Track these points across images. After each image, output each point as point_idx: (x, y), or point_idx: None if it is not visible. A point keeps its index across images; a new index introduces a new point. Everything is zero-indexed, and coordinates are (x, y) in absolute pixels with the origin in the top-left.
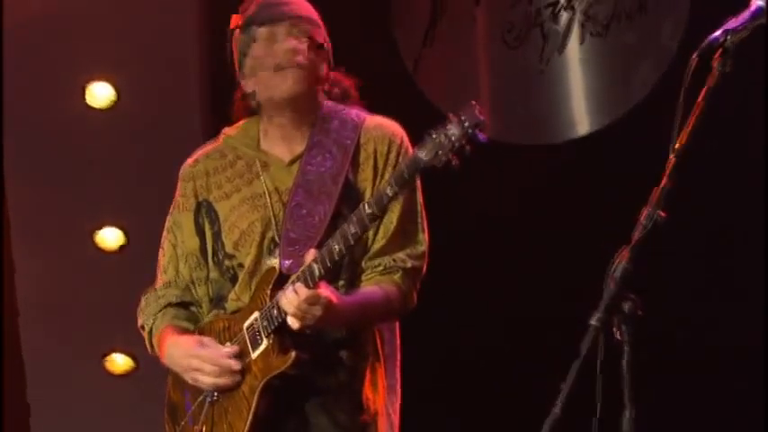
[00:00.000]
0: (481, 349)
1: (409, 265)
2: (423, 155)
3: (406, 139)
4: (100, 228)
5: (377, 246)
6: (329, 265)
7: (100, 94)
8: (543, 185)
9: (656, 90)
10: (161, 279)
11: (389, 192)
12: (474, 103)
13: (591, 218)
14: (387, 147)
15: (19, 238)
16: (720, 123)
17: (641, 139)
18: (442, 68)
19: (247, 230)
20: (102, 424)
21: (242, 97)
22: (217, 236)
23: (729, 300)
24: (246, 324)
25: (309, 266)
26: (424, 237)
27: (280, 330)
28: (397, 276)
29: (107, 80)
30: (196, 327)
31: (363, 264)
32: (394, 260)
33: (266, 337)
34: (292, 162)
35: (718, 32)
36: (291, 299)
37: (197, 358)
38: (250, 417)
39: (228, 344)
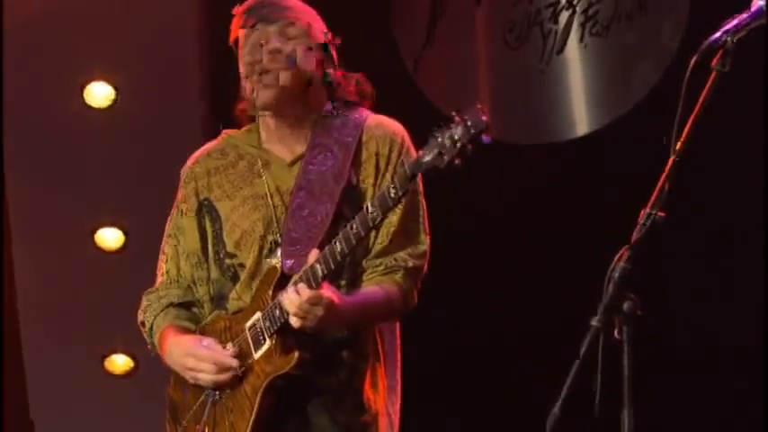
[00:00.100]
0: (481, 349)
1: (410, 264)
2: (426, 156)
3: (407, 137)
4: (100, 228)
5: (378, 246)
6: (332, 265)
7: (99, 93)
8: (543, 185)
9: (655, 90)
10: (162, 278)
11: (392, 193)
12: (478, 105)
13: (591, 218)
14: (388, 146)
15: (19, 238)
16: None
17: (641, 138)
18: (442, 68)
19: (249, 230)
20: (103, 424)
21: (240, 105)
22: (218, 235)
23: (729, 300)
24: (248, 324)
25: (312, 267)
26: (425, 236)
27: (282, 331)
28: (398, 276)
29: (106, 80)
30: (197, 327)
31: (365, 263)
32: (395, 260)
33: (269, 337)
34: (294, 162)
35: (718, 33)
36: (293, 299)
37: (195, 357)
38: (252, 416)
39: (230, 344)
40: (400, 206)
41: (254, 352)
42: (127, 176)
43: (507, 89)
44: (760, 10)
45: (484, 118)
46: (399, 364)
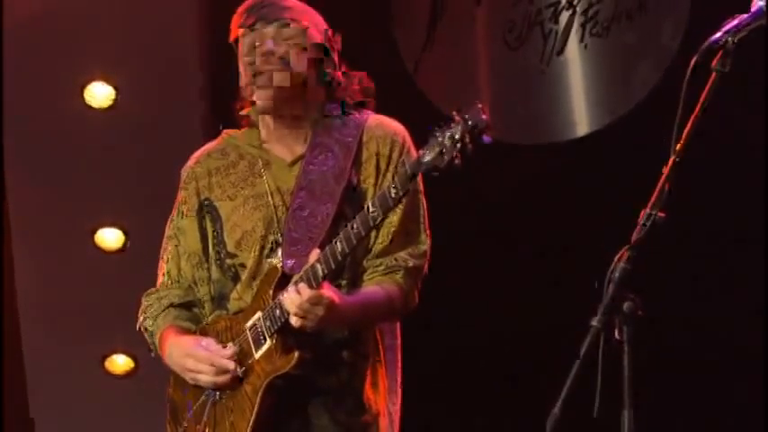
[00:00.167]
0: (481, 349)
1: (411, 264)
2: (426, 156)
3: (408, 137)
4: (100, 228)
5: (379, 246)
6: (333, 265)
7: (99, 93)
8: (543, 185)
9: (656, 90)
10: (163, 279)
11: (393, 193)
12: (479, 104)
13: (591, 218)
14: (389, 146)
15: (19, 238)
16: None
17: (641, 139)
18: (443, 69)
19: (249, 230)
20: (103, 424)
21: (239, 104)
22: (218, 235)
23: (729, 300)
24: (249, 324)
25: (313, 267)
26: (425, 236)
27: (283, 330)
28: (398, 276)
29: (106, 80)
30: (198, 327)
31: (365, 263)
32: (396, 260)
33: (269, 337)
34: (294, 162)
35: (718, 33)
36: (294, 298)
37: (194, 358)
38: (253, 416)
39: (230, 344)
40: (401, 206)
41: (254, 352)
42: (127, 176)
43: (507, 89)
44: (760, 10)
45: (484, 117)
46: (400, 364)
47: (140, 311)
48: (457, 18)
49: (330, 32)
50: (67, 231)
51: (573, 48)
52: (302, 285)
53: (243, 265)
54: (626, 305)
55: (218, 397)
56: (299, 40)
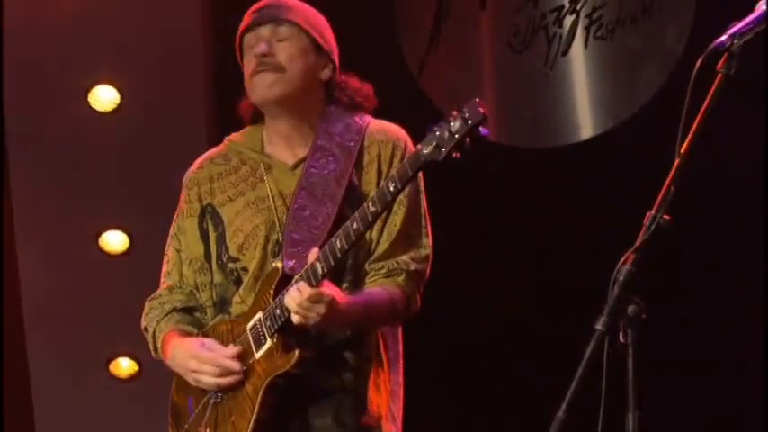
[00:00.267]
0: (481, 349)
1: (413, 267)
2: (424, 150)
3: (409, 142)
4: (104, 231)
5: (380, 249)
6: (332, 262)
7: (104, 97)
8: (548, 188)
9: (660, 93)
10: (165, 283)
11: (392, 188)
12: (477, 98)
13: (595, 221)
14: (390, 150)
15: (24, 241)
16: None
17: (646, 142)
18: (447, 72)
19: (251, 234)
20: (107, 427)
21: (243, 105)
22: (221, 239)
23: (729, 300)
24: (250, 324)
25: (312, 265)
26: (427, 240)
27: (283, 330)
28: (400, 279)
29: (111, 83)
30: (200, 331)
31: (366, 267)
32: (397, 263)
33: (270, 336)
34: (296, 166)
35: (723, 36)
36: (295, 297)
37: (198, 359)
38: (254, 417)
39: (232, 345)
40: (402, 208)
41: (255, 351)
42: (131, 180)
43: (511, 93)
44: (765, 13)
45: (481, 110)
46: (401, 367)
47: (143, 315)
48: (461, 21)
49: (331, 34)
50: (72, 234)
51: (577, 51)
52: (302, 284)
53: (245, 269)
54: (630, 308)
55: (219, 398)
56: (294, 41)
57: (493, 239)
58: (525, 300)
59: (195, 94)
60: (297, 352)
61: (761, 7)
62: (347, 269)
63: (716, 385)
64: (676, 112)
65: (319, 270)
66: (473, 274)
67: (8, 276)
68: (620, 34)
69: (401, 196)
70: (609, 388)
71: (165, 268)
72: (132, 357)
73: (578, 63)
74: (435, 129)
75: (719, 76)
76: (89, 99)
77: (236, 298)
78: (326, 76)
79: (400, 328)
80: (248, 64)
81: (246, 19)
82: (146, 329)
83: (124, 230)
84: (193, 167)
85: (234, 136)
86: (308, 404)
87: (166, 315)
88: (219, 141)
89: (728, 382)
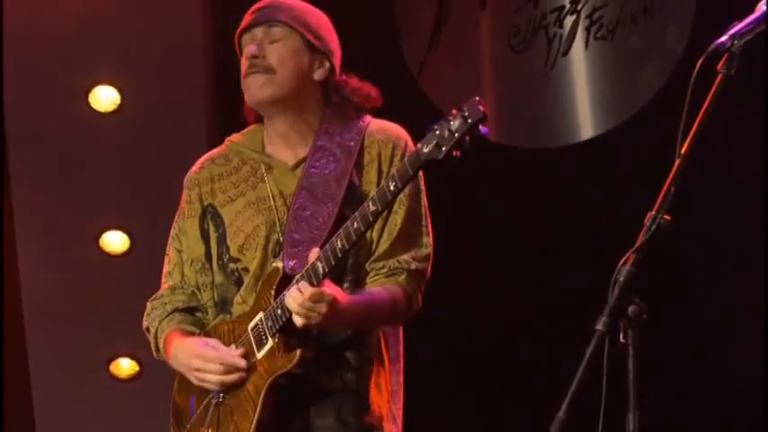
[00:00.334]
0: (481, 349)
1: (413, 267)
2: (424, 148)
3: (410, 141)
4: (105, 231)
5: (381, 248)
6: (333, 262)
7: (104, 97)
8: (548, 189)
9: (661, 94)
10: (167, 284)
11: (392, 187)
12: (477, 97)
13: (595, 221)
14: (391, 150)
15: (24, 241)
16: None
17: (646, 142)
18: (447, 72)
19: (252, 234)
20: (107, 428)
21: (246, 108)
22: (221, 239)
23: (729, 300)
24: (251, 325)
25: (313, 265)
26: (428, 240)
27: (285, 329)
28: (401, 278)
29: (111, 84)
30: (201, 331)
31: (367, 266)
32: (398, 262)
33: (271, 336)
34: (296, 166)
35: (724, 37)
36: (296, 296)
37: (202, 358)
38: (256, 417)
39: (233, 345)
40: (403, 208)
41: (256, 351)
42: (132, 180)
43: (512, 93)
44: (764, 14)
45: (481, 108)
46: (402, 368)
47: (145, 316)
48: (461, 22)
49: (331, 34)
50: (73, 235)
51: (577, 51)
52: (303, 283)
53: (246, 269)
54: (631, 309)
55: (221, 398)
56: (286, 41)
57: (493, 239)
58: (525, 300)
59: (195, 94)
60: (298, 352)
61: (761, 7)
62: (348, 269)
63: (716, 385)
64: (676, 113)
65: (320, 270)
66: (473, 274)
67: (8, 276)
68: (620, 34)
69: (402, 195)
70: (609, 388)
71: (166, 268)
72: (133, 358)
73: (579, 63)
74: (435, 127)
75: (720, 76)
76: (89, 99)
77: (238, 298)
78: (321, 76)
79: (401, 328)
80: (242, 65)
81: (245, 19)
82: (147, 330)
83: (125, 231)
84: (194, 168)
85: (235, 136)
86: (310, 404)
87: (168, 315)
88: (220, 141)
89: (728, 382)
